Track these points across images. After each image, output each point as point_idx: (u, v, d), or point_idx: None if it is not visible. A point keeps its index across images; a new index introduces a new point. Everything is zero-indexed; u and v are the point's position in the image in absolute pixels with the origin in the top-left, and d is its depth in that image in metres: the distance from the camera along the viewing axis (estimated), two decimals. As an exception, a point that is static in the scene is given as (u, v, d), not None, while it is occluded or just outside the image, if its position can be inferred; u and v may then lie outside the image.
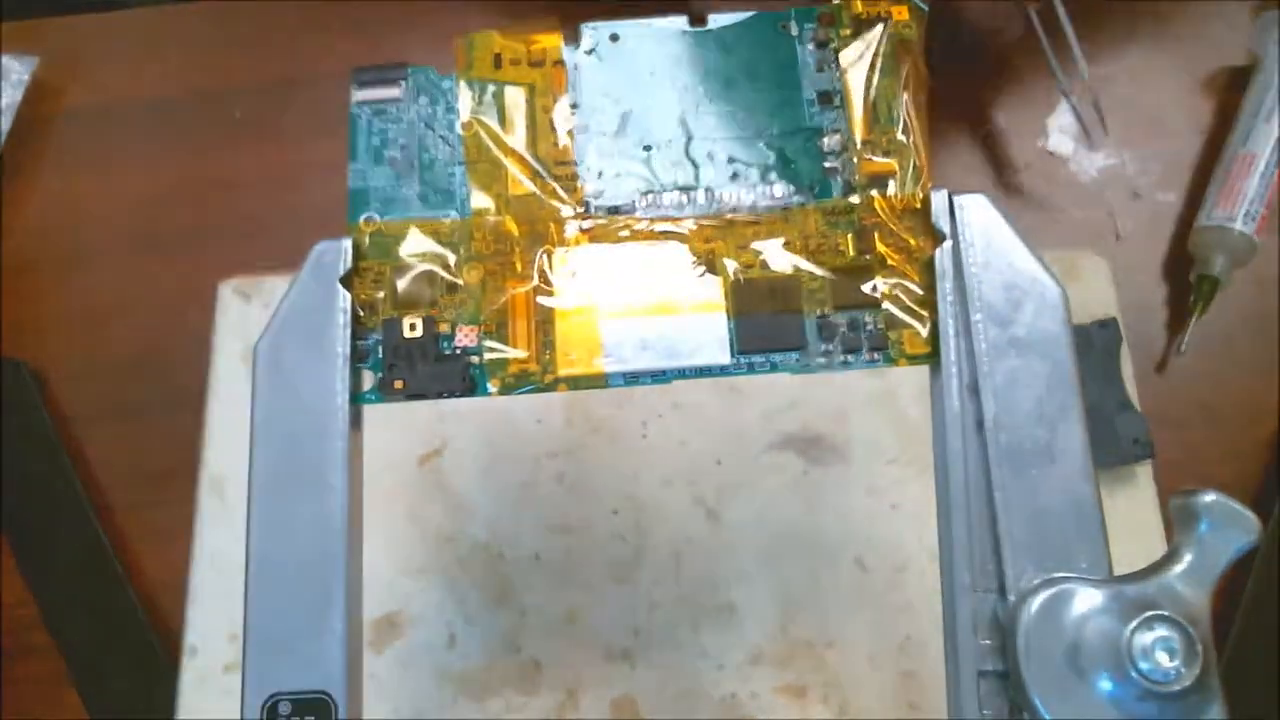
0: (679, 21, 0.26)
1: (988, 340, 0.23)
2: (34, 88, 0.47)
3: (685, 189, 0.25)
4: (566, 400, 0.40)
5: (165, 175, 0.47)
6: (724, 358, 0.24)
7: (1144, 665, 0.20)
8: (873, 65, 0.26)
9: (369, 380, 0.24)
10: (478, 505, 0.39)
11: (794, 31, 0.26)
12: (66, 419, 0.42)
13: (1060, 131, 0.45)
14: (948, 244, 0.24)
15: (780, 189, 0.25)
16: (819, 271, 0.25)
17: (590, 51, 0.26)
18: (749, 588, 0.38)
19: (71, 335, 0.44)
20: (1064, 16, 0.42)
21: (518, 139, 0.26)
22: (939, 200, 0.24)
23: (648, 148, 0.26)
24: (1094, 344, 0.40)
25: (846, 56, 0.26)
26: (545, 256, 0.25)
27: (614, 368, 0.24)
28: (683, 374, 0.24)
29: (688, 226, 0.25)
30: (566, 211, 0.25)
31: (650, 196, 0.25)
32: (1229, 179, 0.44)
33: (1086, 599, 0.21)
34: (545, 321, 0.24)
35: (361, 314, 0.24)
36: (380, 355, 0.24)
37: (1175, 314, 0.44)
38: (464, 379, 0.24)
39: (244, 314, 0.41)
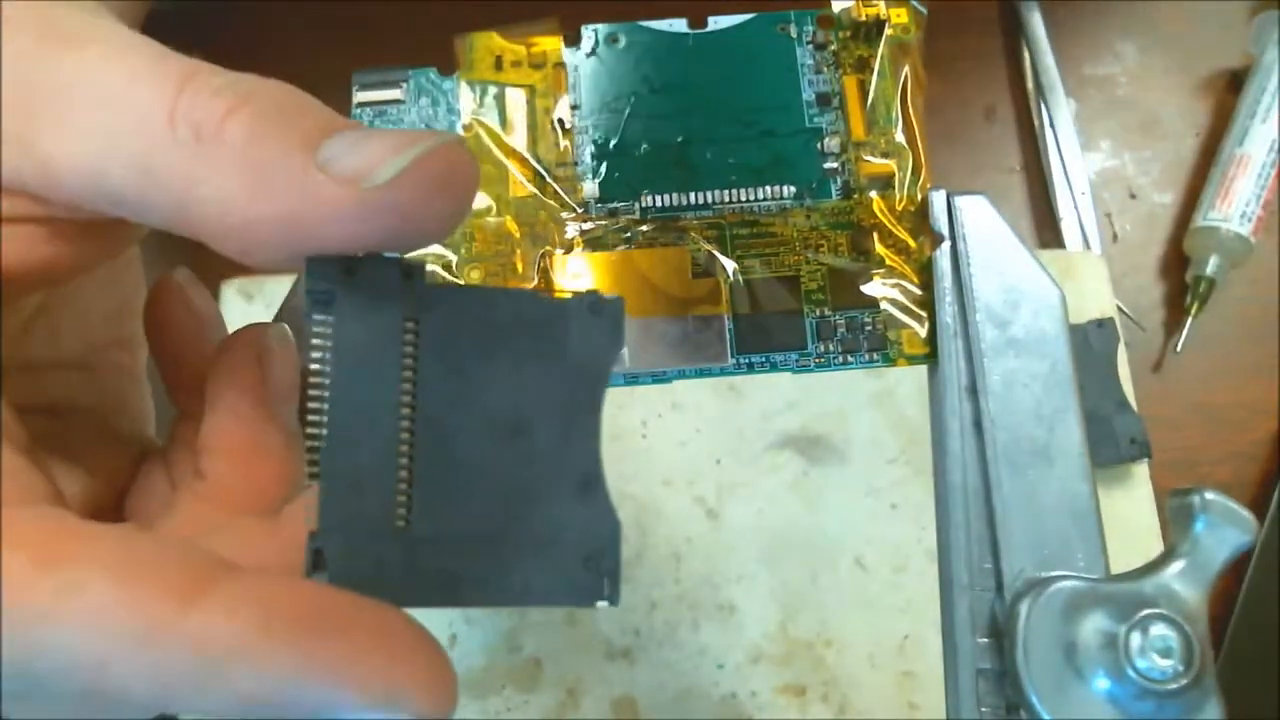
0: (678, 23, 0.26)
1: (986, 341, 0.23)
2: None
3: (685, 190, 0.25)
4: (566, 400, 0.40)
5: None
6: (723, 358, 0.24)
7: (1141, 664, 0.20)
8: (871, 67, 0.26)
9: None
10: (478, 505, 0.39)
11: (793, 33, 0.26)
12: (67, 419, 0.43)
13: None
14: (946, 245, 0.24)
15: (779, 190, 0.25)
16: (818, 272, 0.25)
17: (590, 53, 0.26)
18: (749, 587, 0.38)
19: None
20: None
21: (518, 140, 0.26)
22: (938, 201, 0.25)
23: (648, 149, 0.26)
24: (1091, 344, 0.40)
25: (845, 58, 0.26)
26: (546, 257, 0.25)
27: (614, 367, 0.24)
28: (683, 374, 0.24)
29: (687, 227, 0.25)
30: (567, 213, 0.25)
31: (650, 197, 0.25)
32: (1225, 180, 0.44)
33: (1084, 598, 0.21)
34: (546, 322, 0.24)
35: (363, 314, 0.24)
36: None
37: (1172, 314, 0.44)
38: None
39: (246, 314, 0.41)
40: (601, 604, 0.19)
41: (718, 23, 0.26)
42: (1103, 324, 0.40)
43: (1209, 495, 0.21)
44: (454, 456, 0.18)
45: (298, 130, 0.17)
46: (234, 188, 0.16)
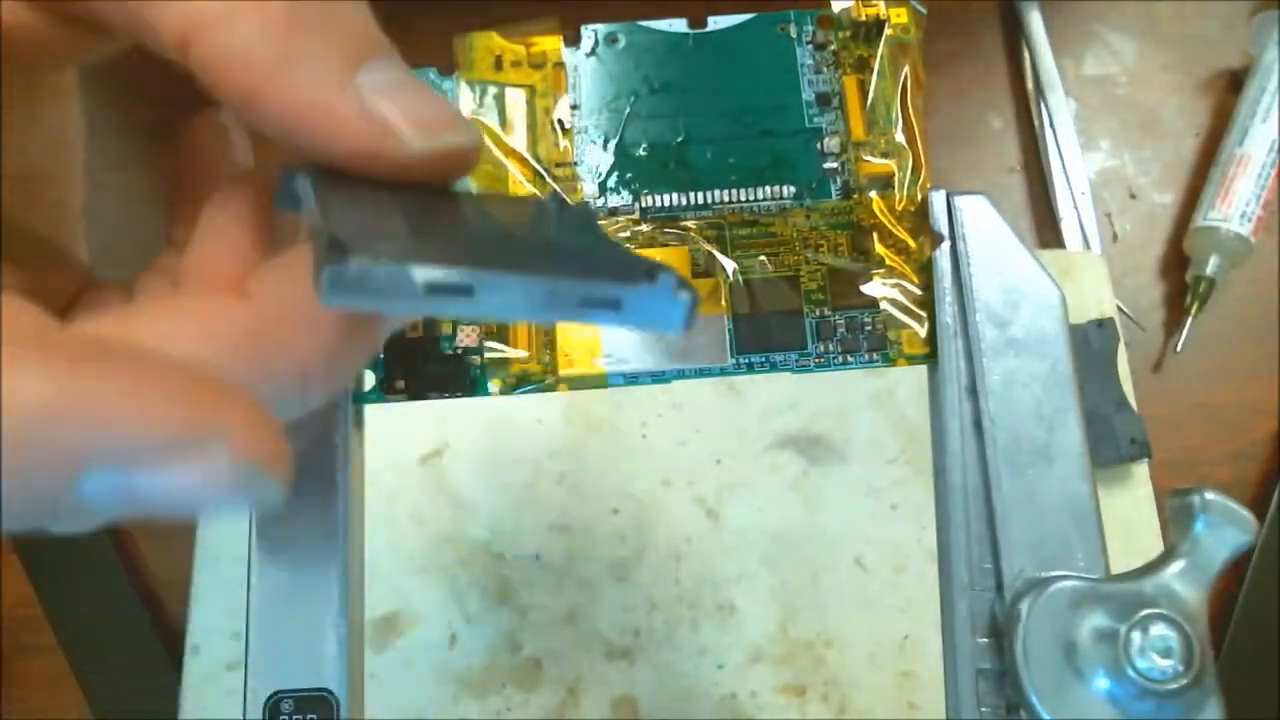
0: (678, 23, 0.26)
1: (986, 341, 0.23)
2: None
3: (685, 190, 0.25)
4: (566, 400, 0.40)
5: (166, 176, 0.47)
6: (723, 358, 0.24)
7: (1141, 664, 0.20)
8: (871, 67, 0.26)
9: (370, 380, 0.24)
10: (478, 505, 0.39)
11: (793, 33, 0.26)
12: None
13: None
14: (946, 245, 0.24)
15: (779, 190, 0.25)
16: (818, 272, 0.25)
17: (590, 53, 0.26)
18: (749, 587, 0.38)
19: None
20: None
21: (518, 140, 0.26)
22: (938, 201, 0.25)
23: (648, 149, 0.26)
24: (1091, 344, 0.40)
25: (845, 58, 0.26)
26: (546, 257, 0.25)
27: (614, 368, 0.24)
28: (682, 374, 0.24)
29: (687, 227, 0.25)
30: (567, 213, 0.25)
31: (650, 197, 0.25)
32: (1225, 180, 0.44)
33: (1084, 598, 0.21)
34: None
35: (363, 314, 0.24)
36: (382, 355, 0.24)
37: (1172, 314, 0.44)
38: (465, 379, 0.24)
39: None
40: (683, 298, 0.15)
41: (718, 23, 0.26)
42: (1103, 324, 0.40)
43: (1209, 495, 0.21)
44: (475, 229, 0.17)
45: (343, 36, 0.16)
46: (265, 56, 0.16)
